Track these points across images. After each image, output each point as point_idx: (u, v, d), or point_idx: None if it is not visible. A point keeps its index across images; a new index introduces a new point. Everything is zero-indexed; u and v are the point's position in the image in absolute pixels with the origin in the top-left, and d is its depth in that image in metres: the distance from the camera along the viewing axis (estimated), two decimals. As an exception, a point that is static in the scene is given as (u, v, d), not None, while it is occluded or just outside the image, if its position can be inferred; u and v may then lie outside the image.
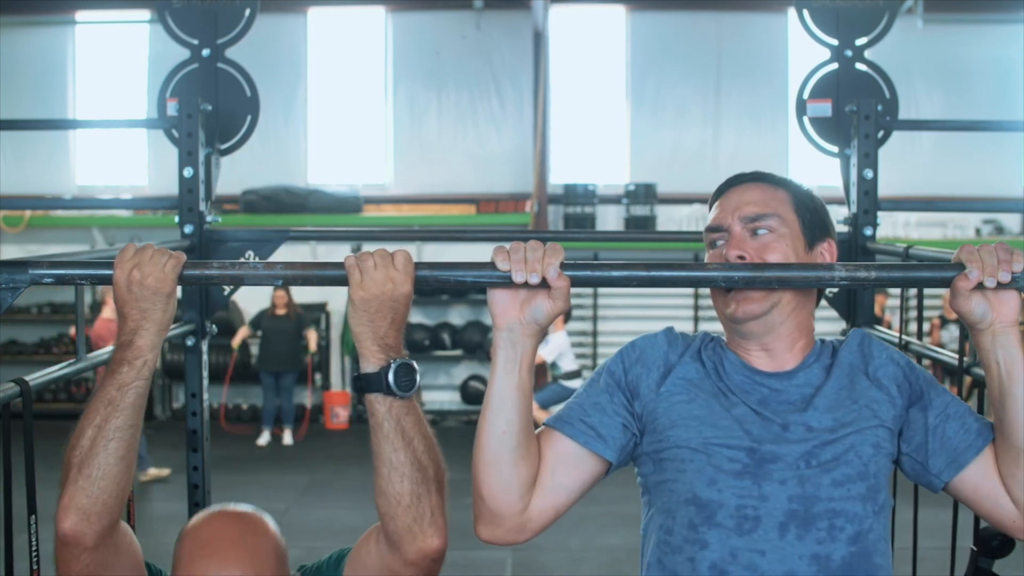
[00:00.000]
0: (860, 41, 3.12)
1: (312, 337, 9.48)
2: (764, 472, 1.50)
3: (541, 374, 9.37)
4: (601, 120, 11.21)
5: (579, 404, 1.61)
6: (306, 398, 9.80)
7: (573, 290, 1.52)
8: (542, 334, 1.56)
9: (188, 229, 2.85)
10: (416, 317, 10.48)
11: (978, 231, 10.80)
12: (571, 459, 1.57)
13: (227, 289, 2.91)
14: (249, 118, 3.03)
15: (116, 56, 11.13)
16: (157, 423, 10.08)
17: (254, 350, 9.99)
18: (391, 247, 1.53)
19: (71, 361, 2.21)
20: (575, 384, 8.45)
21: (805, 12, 3.12)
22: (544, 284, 1.49)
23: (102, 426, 1.46)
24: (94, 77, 11.12)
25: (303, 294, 9.82)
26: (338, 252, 9.22)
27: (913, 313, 9.36)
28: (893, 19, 3.12)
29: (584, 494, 1.61)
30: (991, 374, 1.51)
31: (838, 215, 2.82)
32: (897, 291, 8.85)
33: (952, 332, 9.20)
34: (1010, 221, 10.96)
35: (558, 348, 8.62)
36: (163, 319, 1.51)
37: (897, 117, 3.13)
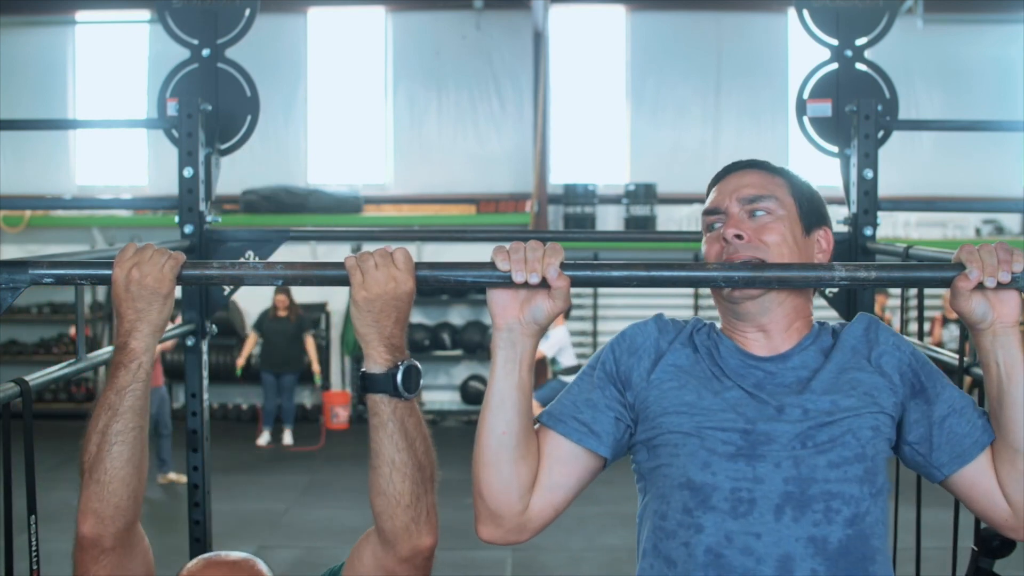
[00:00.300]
0: (860, 41, 3.12)
1: (311, 347, 9.46)
2: (758, 454, 1.49)
3: (541, 372, 9.38)
4: (601, 120, 11.21)
5: (571, 401, 1.61)
6: (306, 398, 9.81)
7: (573, 290, 1.52)
8: (542, 334, 1.56)
9: (188, 229, 2.85)
10: (416, 317, 10.48)
11: (978, 231, 10.80)
12: (566, 457, 1.58)
13: (227, 289, 2.91)
14: (249, 118, 3.03)
15: (116, 56, 11.14)
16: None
17: (255, 350, 9.99)
18: (391, 247, 1.53)
19: (71, 361, 2.20)
20: None
21: (805, 12, 3.12)
22: (544, 284, 1.49)
23: (105, 431, 1.48)
24: (94, 77, 11.12)
25: (303, 294, 9.82)
26: (338, 252, 9.22)
27: (913, 313, 9.37)
28: (893, 19, 3.12)
29: (582, 490, 1.61)
30: (990, 375, 1.51)
31: (838, 215, 2.82)
32: (897, 291, 8.86)
33: (952, 332, 9.20)
34: (1010, 221, 10.96)
35: (558, 343, 8.62)
36: (158, 320, 1.52)
37: (897, 117, 3.13)
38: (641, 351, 1.61)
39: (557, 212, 10.82)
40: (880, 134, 2.95)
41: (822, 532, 1.46)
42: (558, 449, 1.58)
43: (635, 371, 1.60)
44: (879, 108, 2.93)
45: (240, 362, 9.47)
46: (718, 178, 1.69)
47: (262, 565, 1.62)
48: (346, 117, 11.13)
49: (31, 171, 10.47)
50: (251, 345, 9.51)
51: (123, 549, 1.50)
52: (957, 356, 2.32)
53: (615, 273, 1.56)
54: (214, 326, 2.94)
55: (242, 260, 2.76)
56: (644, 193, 10.61)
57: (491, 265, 1.50)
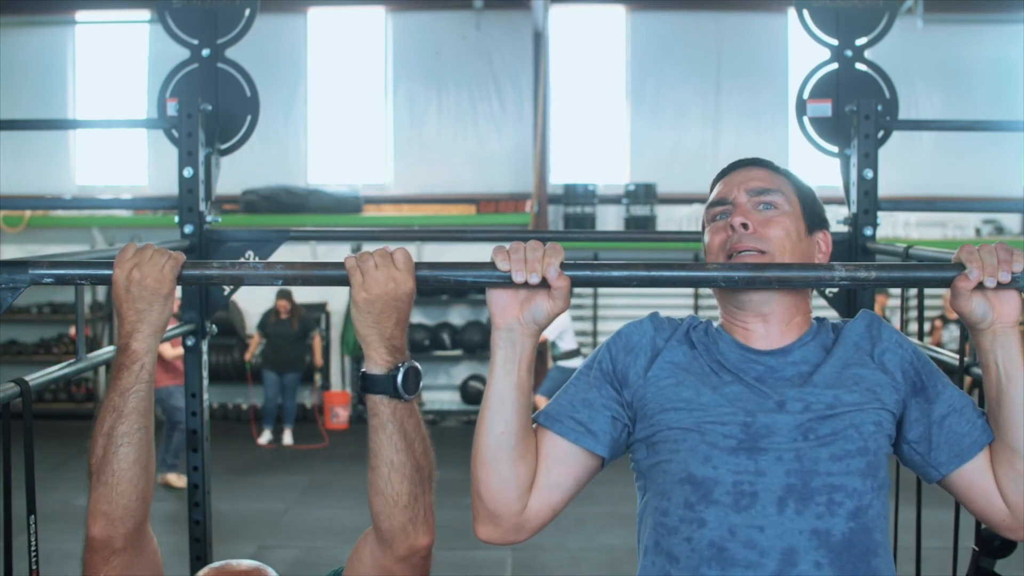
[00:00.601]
0: (860, 41, 3.12)
1: (318, 348, 9.50)
2: (759, 447, 1.49)
3: (541, 369, 9.36)
4: (601, 120, 11.21)
5: (568, 400, 1.61)
6: (307, 398, 9.81)
7: (573, 290, 1.52)
8: (541, 333, 1.56)
9: (188, 229, 2.85)
10: (416, 317, 10.48)
11: (978, 231, 10.80)
12: (563, 457, 1.57)
13: (227, 289, 2.91)
14: (249, 118, 3.03)
15: (116, 56, 11.14)
16: (156, 423, 10.06)
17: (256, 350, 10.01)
18: (391, 247, 1.53)
19: (71, 361, 2.20)
20: (575, 364, 8.48)
21: (805, 12, 3.12)
22: (544, 284, 1.49)
23: (110, 433, 1.48)
24: (94, 77, 11.12)
25: (303, 294, 9.82)
26: (338, 252, 9.22)
27: (914, 313, 9.38)
28: (893, 19, 3.12)
29: (580, 490, 1.61)
30: (989, 375, 1.51)
31: (838, 215, 2.82)
32: (897, 291, 8.86)
33: (952, 332, 9.20)
34: (1010, 221, 10.96)
35: (559, 326, 8.61)
36: (158, 320, 1.52)
37: (897, 117, 3.13)
38: (638, 349, 1.61)
39: (557, 212, 10.83)
40: (880, 134, 2.94)
41: (825, 525, 1.46)
42: (555, 449, 1.58)
43: (632, 369, 1.60)
44: (879, 108, 2.93)
45: (248, 356, 9.56)
46: (723, 173, 1.71)
47: (271, 571, 1.62)
48: (346, 117, 11.13)
49: (31, 171, 10.47)
50: (256, 343, 9.55)
51: (133, 550, 1.50)
52: (957, 356, 2.33)
53: (615, 273, 1.56)
54: (214, 326, 2.94)
55: (242, 260, 2.76)
56: (644, 193, 10.61)
57: (491, 265, 1.50)
